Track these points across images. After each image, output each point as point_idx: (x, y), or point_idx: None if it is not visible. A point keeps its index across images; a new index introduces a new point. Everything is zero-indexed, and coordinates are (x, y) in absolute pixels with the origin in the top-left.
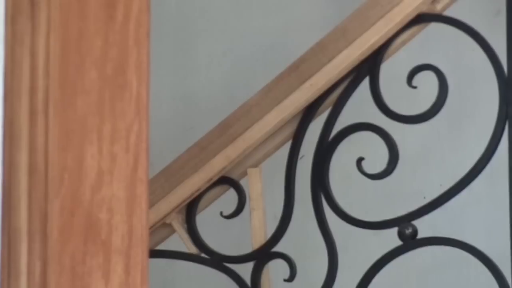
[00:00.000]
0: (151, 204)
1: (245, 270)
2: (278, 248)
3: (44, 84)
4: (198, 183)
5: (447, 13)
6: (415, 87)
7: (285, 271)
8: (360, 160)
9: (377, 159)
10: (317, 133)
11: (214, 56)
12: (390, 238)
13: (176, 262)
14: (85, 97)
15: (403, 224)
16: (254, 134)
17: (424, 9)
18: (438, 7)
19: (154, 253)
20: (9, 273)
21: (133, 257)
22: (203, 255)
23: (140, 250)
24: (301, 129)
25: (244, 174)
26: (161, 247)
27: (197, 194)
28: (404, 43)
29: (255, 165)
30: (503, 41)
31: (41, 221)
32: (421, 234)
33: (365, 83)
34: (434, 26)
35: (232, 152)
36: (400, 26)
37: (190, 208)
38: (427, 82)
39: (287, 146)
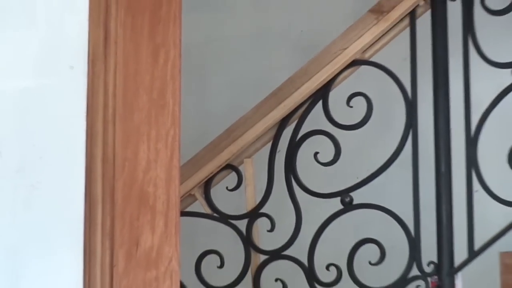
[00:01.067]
0: (182, 181)
1: (242, 225)
2: (263, 210)
3: (113, 103)
4: (212, 169)
5: (373, 59)
6: (351, 107)
7: (268, 225)
8: (316, 154)
9: (327, 153)
10: (289, 136)
11: (221, 86)
12: (335, 204)
13: (197, 219)
14: (139, 113)
15: (344, 195)
16: (248, 136)
17: (358, 56)
18: (366, 55)
19: (183, 214)
20: (90, 226)
21: (169, 216)
22: (215, 214)
23: (174, 212)
24: (278, 133)
25: (241, 162)
26: (187, 210)
27: (211, 175)
28: (344, 78)
29: (249, 157)
30: (408, 77)
31: (111, 192)
32: (356, 201)
33: (319, 104)
34: (364, 67)
35: (234, 148)
36: (342, 68)
37: (207, 185)
38: (360, 103)
39: (269, 144)
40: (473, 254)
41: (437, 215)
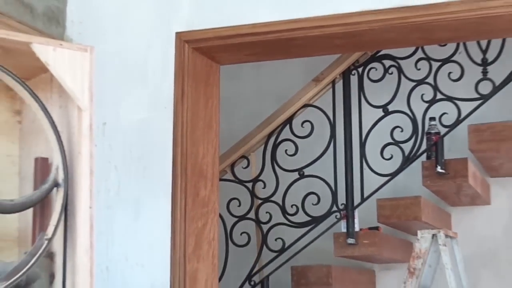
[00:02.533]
0: (220, 163)
1: (249, 185)
2: (260, 178)
3: (186, 125)
4: (235, 158)
5: (315, 103)
6: (303, 127)
7: (262, 186)
8: (286, 150)
9: (292, 150)
10: (273, 141)
11: (239, 116)
12: (296, 176)
13: (228, 183)
14: (199, 131)
15: (300, 170)
16: (253, 142)
17: (306, 102)
18: (311, 101)
19: (221, 180)
20: (174, 187)
21: (213, 181)
22: (236, 180)
23: (216, 179)
24: (267, 140)
25: (249, 154)
26: (223, 178)
27: (234, 161)
28: (300, 113)
29: (253, 151)
30: (331, 110)
31: (184, 170)
32: (306, 173)
33: (288, 126)
34: (310, 108)
35: (245, 148)
36: (298, 108)
37: (232, 166)
38: (308, 125)
39: (263, 146)
40: (363, 200)
41: (346, 180)
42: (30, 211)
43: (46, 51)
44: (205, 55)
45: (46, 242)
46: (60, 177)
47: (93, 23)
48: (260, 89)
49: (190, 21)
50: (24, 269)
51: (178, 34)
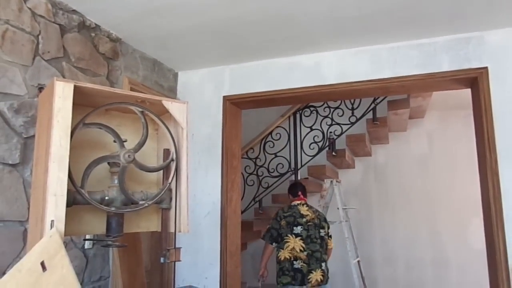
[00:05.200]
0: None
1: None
2: (258, 157)
3: (226, 136)
4: (247, 148)
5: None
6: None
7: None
8: (269, 145)
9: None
10: (263, 142)
11: (250, 131)
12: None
13: (244, 159)
14: (232, 137)
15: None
16: (256, 141)
17: (278, 125)
18: (278, 123)
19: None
20: (223, 163)
21: (238, 159)
22: (248, 158)
23: (239, 158)
24: (261, 141)
25: (254, 146)
26: None
27: (246, 150)
28: (272, 131)
29: (256, 145)
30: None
31: (225, 154)
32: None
33: (270, 136)
34: (278, 128)
35: (253, 144)
36: (273, 129)
37: (247, 152)
38: (279, 136)
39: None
40: (301, 166)
41: (295, 158)
42: (161, 171)
43: (168, 104)
44: (235, 105)
45: (168, 184)
46: (174, 157)
47: (187, 91)
48: (258, 119)
49: (228, 91)
50: (159, 195)
51: (224, 97)
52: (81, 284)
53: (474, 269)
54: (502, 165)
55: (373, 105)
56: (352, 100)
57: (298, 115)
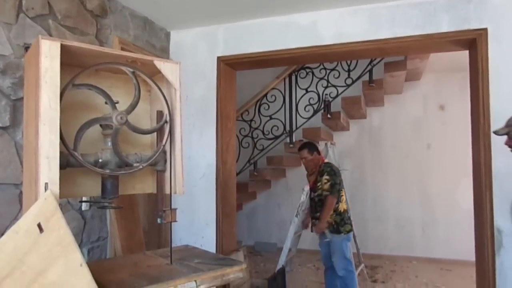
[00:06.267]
0: None
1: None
2: (253, 119)
3: (221, 98)
4: (242, 110)
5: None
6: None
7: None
8: (264, 107)
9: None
10: (259, 103)
11: (245, 92)
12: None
13: (239, 122)
14: (227, 99)
15: None
16: (252, 103)
17: (274, 87)
18: (273, 85)
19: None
20: (217, 125)
21: (233, 121)
22: (243, 120)
23: (234, 120)
24: (256, 103)
25: (249, 108)
26: None
27: (242, 112)
28: (268, 91)
29: (251, 107)
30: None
31: (220, 116)
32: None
33: (265, 98)
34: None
35: (248, 106)
36: (270, 88)
37: (242, 114)
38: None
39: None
40: (296, 128)
41: (290, 120)
42: (155, 133)
43: (160, 64)
44: (230, 66)
45: (162, 146)
46: (168, 119)
47: (180, 51)
48: (254, 81)
49: (223, 51)
50: (153, 157)
51: (218, 57)
52: (79, 245)
53: (461, 227)
54: (495, 128)
55: (369, 67)
56: (349, 62)
57: (293, 77)
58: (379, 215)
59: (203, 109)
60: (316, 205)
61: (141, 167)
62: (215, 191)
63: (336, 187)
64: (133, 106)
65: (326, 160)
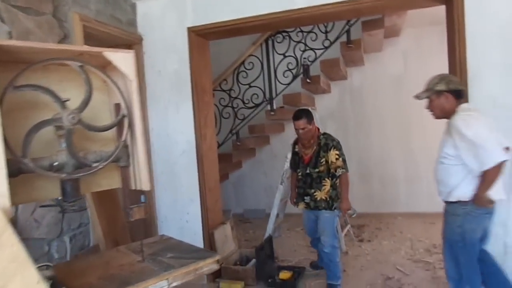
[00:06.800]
0: None
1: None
2: (232, 88)
3: (195, 70)
4: (220, 80)
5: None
6: (249, 69)
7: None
8: (242, 76)
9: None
10: (236, 71)
11: (221, 60)
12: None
13: (219, 92)
14: (201, 70)
15: None
16: (229, 72)
17: (251, 53)
18: (251, 52)
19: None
20: (194, 99)
21: (210, 93)
22: (222, 90)
23: (211, 92)
24: (234, 71)
25: (227, 77)
26: None
27: (220, 82)
28: (247, 58)
29: (229, 76)
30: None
31: (195, 89)
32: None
33: (242, 66)
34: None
35: (226, 75)
36: (248, 55)
37: (220, 84)
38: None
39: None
40: (276, 95)
41: (269, 87)
42: (115, 128)
43: (111, 55)
44: (201, 36)
45: (122, 142)
46: (126, 112)
47: (148, 24)
48: (230, 48)
49: (193, 22)
50: (113, 155)
51: (188, 28)
52: (60, 233)
53: None
54: (472, 85)
55: (347, 27)
56: (325, 23)
57: (270, 42)
58: (364, 174)
59: (178, 84)
60: (313, 182)
61: (100, 166)
62: (196, 167)
63: (346, 162)
64: (85, 103)
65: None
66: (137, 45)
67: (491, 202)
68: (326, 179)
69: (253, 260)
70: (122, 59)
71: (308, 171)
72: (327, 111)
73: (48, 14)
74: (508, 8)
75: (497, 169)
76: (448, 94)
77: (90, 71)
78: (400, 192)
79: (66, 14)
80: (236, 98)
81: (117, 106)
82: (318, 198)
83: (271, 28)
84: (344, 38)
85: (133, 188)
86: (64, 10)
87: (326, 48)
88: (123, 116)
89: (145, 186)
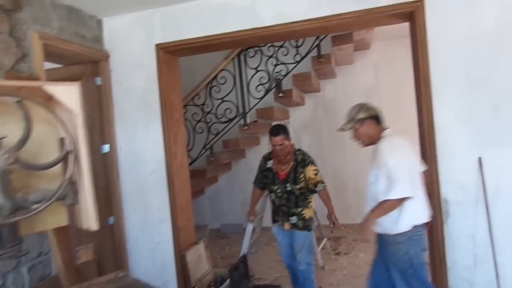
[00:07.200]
0: None
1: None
2: (205, 103)
3: (164, 87)
4: (193, 94)
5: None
6: (222, 83)
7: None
8: (215, 90)
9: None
10: (209, 86)
11: (194, 76)
12: None
13: (192, 107)
14: (171, 88)
15: None
16: (202, 86)
17: (223, 68)
18: (223, 66)
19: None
20: (163, 116)
21: (180, 110)
22: (195, 105)
23: (181, 109)
24: (207, 85)
25: (200, 92)
26: None
27: (193, 96)
28: (220, 72)
29: (202, 91)
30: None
31: (165, 106)
32: None
33: (215, 80)
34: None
35: (199, 89)
36: (217, 73)
37: (193, 98)
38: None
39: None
40: (250, 109)
41: (242, 101)
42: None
43: (52, 88)
44: (170, 53)
45: (67, 179)
46: (71, 147)
47: (115, 40)
48: (203, 62)
49: (161, 38)
50: (56, 195)
51: (157, 45)
52: (17, 264)
53: None
54: (436, 100)
55: (317, 42)
56: (297, 38)
57: (242, 57)
58: (340, 187)
59: (146, 101)
60: (298, 200)
61: (42, 208)
62: (166, 186)
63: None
64: (23, 142)
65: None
66: (103, 61)
67: (372, 233)
68: (310, 195)
69: (228, 280)
70: (65, 92)
71: (289, 188)
72: (301, 123)
73: (4, 34)
74: (468, 23)
75: (398, 202)
76: (370, 120)
77: (31, 105)
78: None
79: (25, 33)
80: (209, 113)
81: (62, 141)
82: (307, 217)
83: (240, 45)
84: (315, 52)
85: (80, 227)
86: (22, 29)
87: (297, 62)
88: (68, 152)
89: (93, 225)
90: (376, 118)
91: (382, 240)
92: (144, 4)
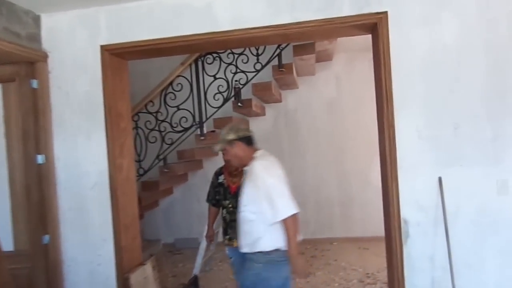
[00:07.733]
0: None
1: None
2: (159, 110)
3: (109, 94)
4: (146, 101)
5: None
6: (178, 90)
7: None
8: (170, 97)
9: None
10: (164, 93)
11: (148, 82)
12: None
13: (145, 114)
14: (117, 94)
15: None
16: (156, 93)
17: (179, 74)
18: (179, 72)
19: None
20: (107, 125)
21: (128, 119)
22: (148, 112)
23: (129, 117)
24: (161, 92)
25: (154, 99)
26: None
27: (145, 103)
28: (173, 80)
29: (155, 98)
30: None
31: (109, 115)
32: None
33: (170, 87)
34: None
35: (153, 96)
36: (174, 78)
37: (146, 105)
38: (182, 87)
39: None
40: (207, 119)
41: (199, 110)
42: None
43: None
44: (117, 56)
45: None
46: None
47: (55, 39)
48: (160, 67)
49: (107, 39)
50: None
51: (102, 46)
52: None
53: (375, 205)
54: (399, 116)
55: (278, 51)
56: (257, 46)
57: (200, 63)
58: (300, 201)
59: (89, 108)
60: None
61: None
62: (110, 202)
63: None
64: None
65: None
66: (41, 62)
67: (305, 265)
68: None
69: None
70: None
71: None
72: (261, 134)
73: None
74: (429, 39)
75: (294, 218)
76: (239, 142)
77: None
78: (335, 217)
79: None
80: (163, 121)
81: None
82: None
83: (196, 50)
84: (276, 61)
85: None
86: None
87: (258, 71)
88: None
89: None
90: (246, 140)
91: (244, 258)
92: (88, 0)
